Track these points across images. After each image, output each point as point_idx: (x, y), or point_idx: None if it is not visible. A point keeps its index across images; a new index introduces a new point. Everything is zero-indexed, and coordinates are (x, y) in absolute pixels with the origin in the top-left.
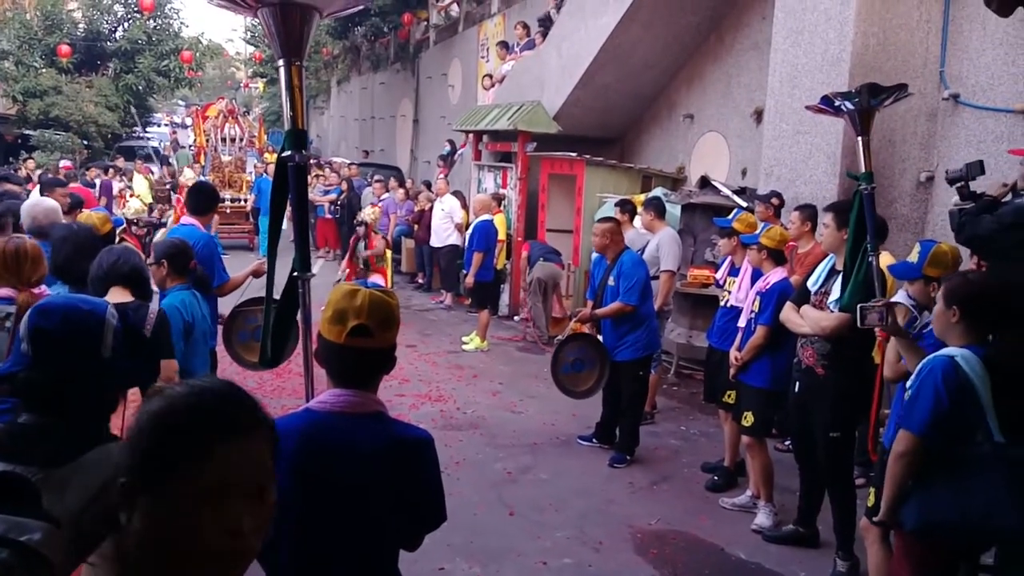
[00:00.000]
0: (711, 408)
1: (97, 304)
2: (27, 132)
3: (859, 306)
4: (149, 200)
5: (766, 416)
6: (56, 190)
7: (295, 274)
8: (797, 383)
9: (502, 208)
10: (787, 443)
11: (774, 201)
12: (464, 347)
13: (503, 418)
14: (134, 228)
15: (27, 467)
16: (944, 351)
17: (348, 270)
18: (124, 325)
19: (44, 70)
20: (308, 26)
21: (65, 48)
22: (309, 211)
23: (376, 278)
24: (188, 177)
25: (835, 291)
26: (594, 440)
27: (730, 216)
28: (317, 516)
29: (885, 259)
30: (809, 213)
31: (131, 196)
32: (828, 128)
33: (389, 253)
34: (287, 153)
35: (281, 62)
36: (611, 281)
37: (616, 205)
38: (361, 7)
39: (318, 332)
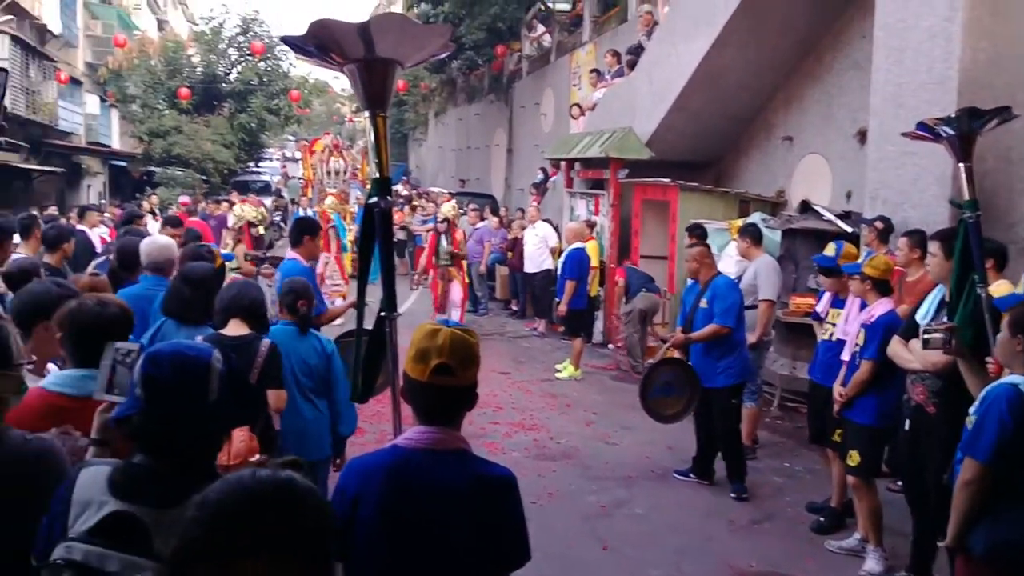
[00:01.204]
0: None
1: (203, 350)
2: (152, 169)
3: (922, 329)
4: (261, 232)
5: (873, 455)
6: (168, 228)
7: (382, 314)
8: (907, 421)
9: (595, 235)
10: (899, 483)
11: (878, 224)
12: (557, 375)
13: (597, 449)
14: (253, 231)
15: (141, 507)
16: (1007, 379)
17: (430, 273)
18: (228, 368)
19: (167, 112)
20: (391, 79)
21: (185, 91)
22: (409, 240)
23: (455, 289)
24: (328, 205)
25: None
26: (691, 475)
27: (832, 253)
28: (402, 553)
29: (1003, 288)
30: (918, 239)
31: (240, 202)
32: (936, 149)
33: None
34: (373, 199)
35: (367, 114)
36: (703, 303)
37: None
38: (442, 55)
39: (403, 370)
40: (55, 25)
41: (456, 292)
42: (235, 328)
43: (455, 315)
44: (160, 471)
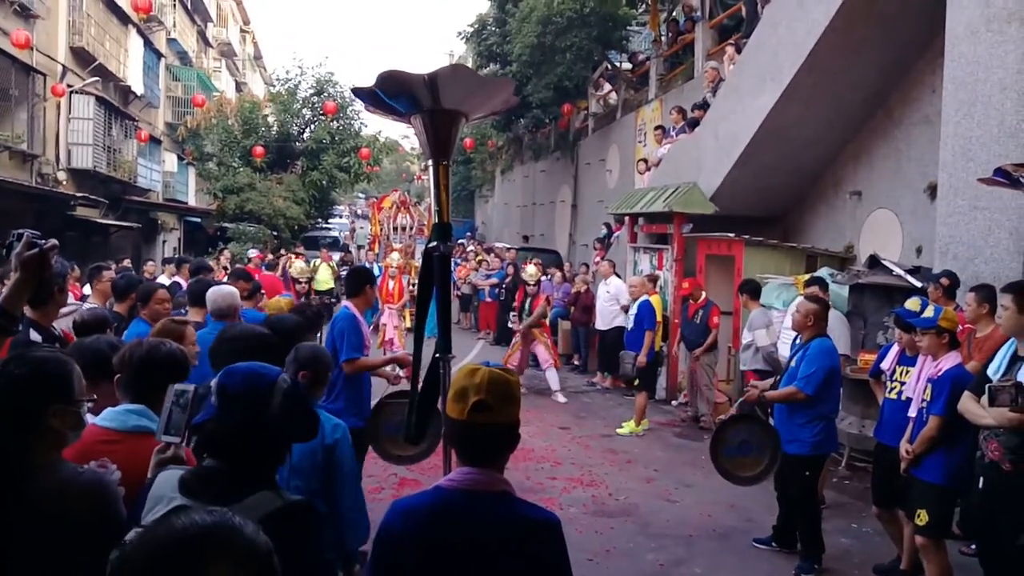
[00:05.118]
0: None
1: (272, 370)
2: (225, 225)
3: (988, 386)
4: (331, 286)
5: (942, 515)
6: (240, 282)
7: (437, 356)
8: (981, 479)
9: (657, 290)
10: (972, 546)
11: (944, 281)
12: (619, 431)
13: (657, 506)
14: (298, 286)
15: (204, 504)
16: None
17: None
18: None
19: (241, 169)
20: (455, 130)
21: (259, 149)
22: (473, 295)
23: (541, 351)
24: (393, 260)
25: (1020, 378)
26: (773, 544)
27: (917, 307)
28: None
29: None
30: (986, 294)
31: (297, 258)
32: (1009, 202)
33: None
34: (432, 244)
35: (430, 162)
36: (793, 363)
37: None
38: (507, 109)
39: (445, 412)
40: (138, 87)
41: (542, 353)
42: None
43: (551, 377)
44: (225, 473)
